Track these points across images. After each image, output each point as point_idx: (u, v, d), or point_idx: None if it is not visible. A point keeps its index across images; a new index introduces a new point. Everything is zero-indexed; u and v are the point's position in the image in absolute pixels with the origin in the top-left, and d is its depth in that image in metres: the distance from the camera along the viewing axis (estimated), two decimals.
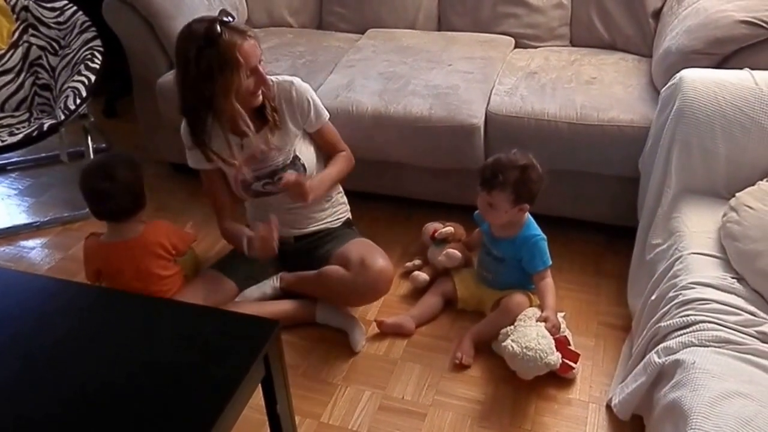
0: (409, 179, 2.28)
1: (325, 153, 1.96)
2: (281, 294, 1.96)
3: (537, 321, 1.69)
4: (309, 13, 2.80)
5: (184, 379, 1.19)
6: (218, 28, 1.61)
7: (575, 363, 1.71)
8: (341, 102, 2.17)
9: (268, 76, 1.74)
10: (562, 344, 1.68)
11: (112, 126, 3.03)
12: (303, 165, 1.86)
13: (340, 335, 1.89)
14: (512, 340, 1.64)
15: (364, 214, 2.25)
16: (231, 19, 1.66)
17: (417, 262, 2.12)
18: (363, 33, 2.67)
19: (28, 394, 1.18)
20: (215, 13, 2.68)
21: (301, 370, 1.80)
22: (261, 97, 1.75)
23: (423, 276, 2.03)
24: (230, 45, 1.62)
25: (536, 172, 1.75)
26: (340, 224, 2.00)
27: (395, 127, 2.13)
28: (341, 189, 2.04)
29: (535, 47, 2.52)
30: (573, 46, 2.53)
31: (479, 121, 2.09)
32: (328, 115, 1.90)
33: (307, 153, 1.88)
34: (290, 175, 1.77)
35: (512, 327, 1.72)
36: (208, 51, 1.61)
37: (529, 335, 1.63)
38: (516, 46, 2.54)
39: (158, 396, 1.16)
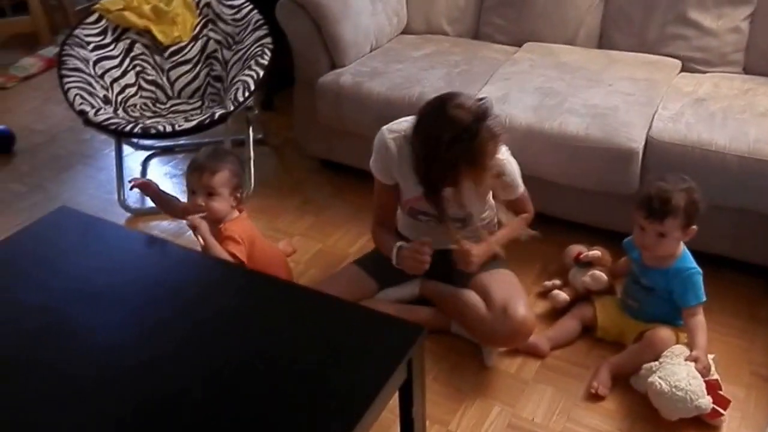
0: (553, 197, 2.23)
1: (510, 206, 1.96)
2: (418, 299, 1.98)
3: (686, 360, 1.61)
4: (467, 22, 2.82)
5: (327, 375, 1.21)
6: (478, 125, 1.57)
7: (725, 410, 1.61)
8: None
9: None
10: (713, 388, 1.59)
11: (268, 118, 3.21)
12: (472, 216, 1.88)
13: (473, 347, 1.90)
14: (660, 377, 1.57)
15: None
16: (490, 107, 1.62)
17: (557, 281, 2.08)
18: (520, 46, 2.65)
19: (187, 363, 1.25)
20: (379, 18, 2.73)
21: (432, 375, 1.82)
22: None
23: (563, 296, 1.99)
24: (482, 145, 1.59)
25: (698, 192, 1.70)
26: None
27: (548, 144, 2.10)
28: (499, 212, 2.00)
29: (704, 72, 2.40)
30: (746, 73, 2.38)
31: (638, 145, 2.01)
32: (522, 189, 1.88)
33: (479, 207, 1.89)
34: (465, 245, 1.77)
35: (657, 363, 1.65)
36: (460, 144, 1.58)
37: (679, 374, 1.56)
38: (682, 70, 2.42)
39: (302, 388, 1.18)
